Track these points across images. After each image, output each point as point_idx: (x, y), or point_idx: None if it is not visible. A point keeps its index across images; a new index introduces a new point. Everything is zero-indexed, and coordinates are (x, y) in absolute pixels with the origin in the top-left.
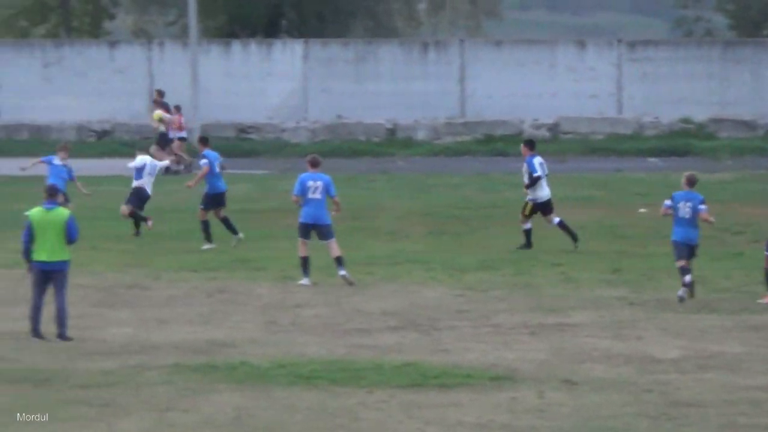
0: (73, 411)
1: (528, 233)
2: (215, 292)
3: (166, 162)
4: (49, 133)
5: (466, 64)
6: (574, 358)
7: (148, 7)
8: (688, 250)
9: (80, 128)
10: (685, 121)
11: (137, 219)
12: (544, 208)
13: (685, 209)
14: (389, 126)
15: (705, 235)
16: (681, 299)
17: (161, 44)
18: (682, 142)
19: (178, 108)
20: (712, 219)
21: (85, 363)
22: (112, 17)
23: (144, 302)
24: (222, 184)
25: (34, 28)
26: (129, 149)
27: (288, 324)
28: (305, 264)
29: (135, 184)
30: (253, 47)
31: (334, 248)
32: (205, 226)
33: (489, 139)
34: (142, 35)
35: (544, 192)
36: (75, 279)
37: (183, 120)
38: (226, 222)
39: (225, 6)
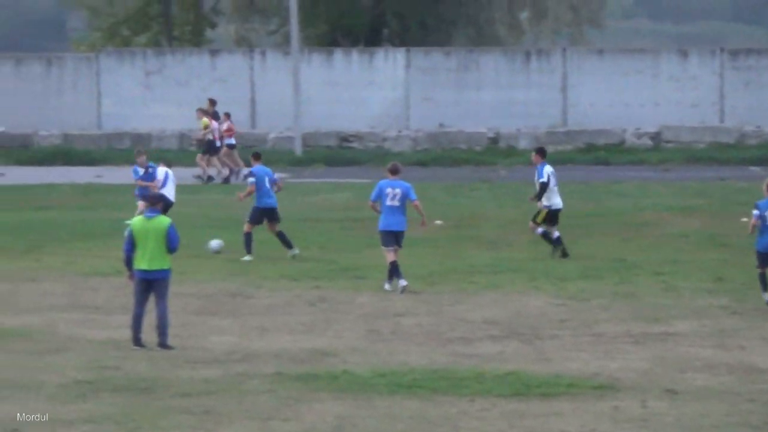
0: (175, 419)
1: (546, 236)
2: (316, 301)
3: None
4: (149, 141)
5: (568, 72)
6: (676, 368)
7: (250, 16)
8: None
9: (182, 136)
10: None
11: None
12: (554, 216)
13: None
14: (491, 135)
15: None
16: None
17: (263, 53)
18: None
19: (227, 115)
20: None
21: (187, 371)
22: (213, 26)
23: (246, 311)
24: (271, 201)
25: (136, 36)
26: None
27: (389, 333)
28: (393, 269)
29: (162, 191)
30: (355, 56)
31: (397, 256)
32: (248, 238)
33: (591, 147)
34: (244, 44)
35: (557, 199)
36: (177, 287)
37: (231, 126)
38: (281, 237)
39: (327, 15)
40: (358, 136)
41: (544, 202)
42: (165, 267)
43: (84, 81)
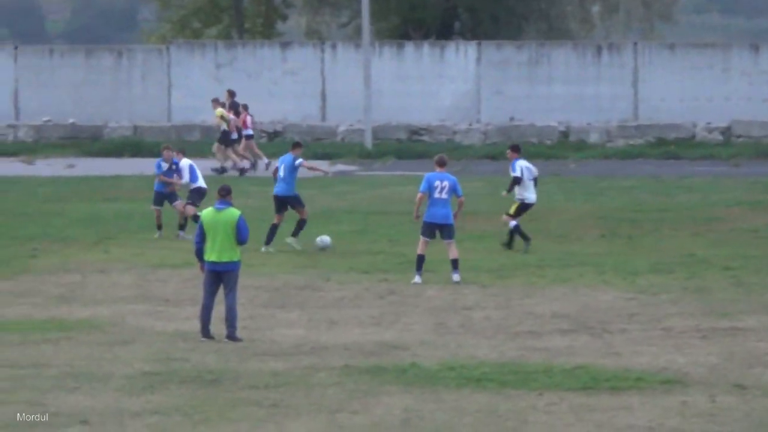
0: (242, 412)
1: (517, 229)
2: (385, 294)
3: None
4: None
5: (639, 67)
6: (745, 363)
7: (321, 9)
8: None
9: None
10: None
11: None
12: (524, 210)
13: None
14: (562, 129)
15: None
16: None
17: (333, 46)
18: None
19: (245, 107)
20: None
21: (255, 364)
22: (284, 18)
23: (314, 303)
24: (277, 188)
25: (207, 29)
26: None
27: (458, 326)
28: (421, 262)
29: (196, 185)
30: (426, 49)
31: (453, 250)
32: (272, 230)
33: (661, 142)
34: (315, 36)
35: (530, 194)
36: (246, 280)
37: (245, 118)
38: (299, 224)
39: (398, 8)
40: (429, 130)
41: (517, 195)
42: (234, 259)
43: (154, 73)
